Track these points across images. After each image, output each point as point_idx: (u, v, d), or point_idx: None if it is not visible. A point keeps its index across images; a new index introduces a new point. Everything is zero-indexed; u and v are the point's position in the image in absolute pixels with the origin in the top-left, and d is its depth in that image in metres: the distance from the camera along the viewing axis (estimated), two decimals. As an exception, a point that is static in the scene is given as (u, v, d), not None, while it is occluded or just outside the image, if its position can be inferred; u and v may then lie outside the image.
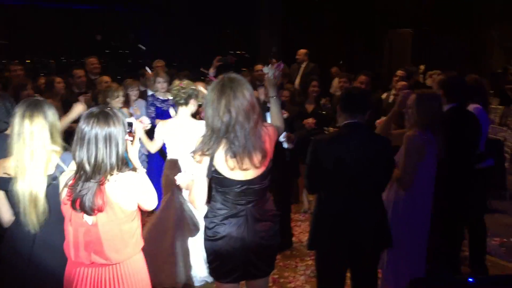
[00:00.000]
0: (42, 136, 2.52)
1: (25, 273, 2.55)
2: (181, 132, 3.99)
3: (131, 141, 2.47)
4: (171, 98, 5.74)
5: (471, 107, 3.96)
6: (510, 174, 6.56)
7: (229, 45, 14.62)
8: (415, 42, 11.86)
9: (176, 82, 4.11)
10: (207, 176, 2.56)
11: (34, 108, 2.53)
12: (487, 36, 11.67)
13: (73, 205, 2.27)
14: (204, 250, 2.74)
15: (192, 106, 4.07)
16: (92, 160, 2.24)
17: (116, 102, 5.07)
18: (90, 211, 2.27)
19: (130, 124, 2.46)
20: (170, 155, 4.17)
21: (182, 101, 4.02)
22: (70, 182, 2.32)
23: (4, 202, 2.57)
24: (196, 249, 4.00)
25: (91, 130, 2.23)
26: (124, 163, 2.34)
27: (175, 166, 4.03)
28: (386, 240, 3.03)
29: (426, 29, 11.69)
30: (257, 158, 2.51)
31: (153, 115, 5.75)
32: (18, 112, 2.53)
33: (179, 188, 3.67)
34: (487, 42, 11.78)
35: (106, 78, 5.93)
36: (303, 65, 7.97)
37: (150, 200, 2.45)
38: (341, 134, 2.98)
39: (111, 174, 2.28)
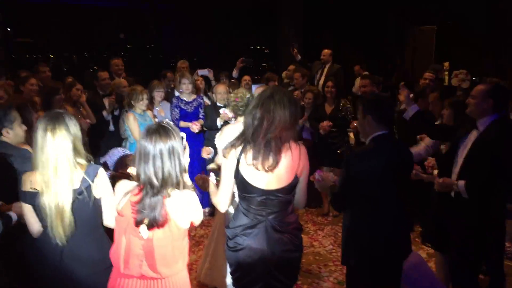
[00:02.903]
0: (65, 149, 2.51)
1: (52, 283, 2.59)
2: None
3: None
4: (205, 101, 5.82)
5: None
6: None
7: (250, 41, 14.63)
8: (438, 38, 11.67)
9: (232, 97, 4.14)
10: (234, 176, 2.63)
11: (56, 121, 2.53)
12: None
13: (136, 223, 2.33)
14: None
15: None
16: (160, 174, 2.30)
17: (141, 105, 5.11)
18: (155, 225, 2.32)
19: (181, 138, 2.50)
20: None
21: (241, 113, 4.05)
22: (136, 198, 2.35)
23: (32, 215, 2.59)
24: None
25: (156, 145, 2.30)
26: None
27: None
28: (408, 251, 3.04)
29: (450, 25, 11.49)
30: (269, 163, 2.54)
31: (177, 117, 5.75)
32: (40, 126, 2.53)
33: None
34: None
35: (124, 83, 5.98)
36: (327, 66, 7.86)
37: (199, 216, 2.50)
38: (380, 148, 2.90)
39: (175, 189, 2.34)
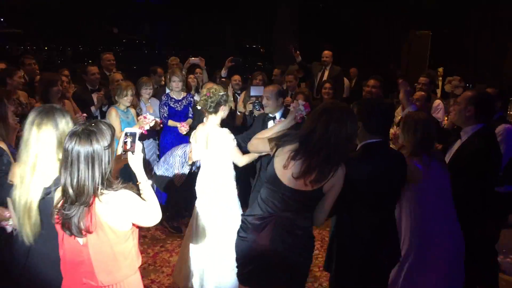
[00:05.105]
0: (47, 145, 2.43)
1: (19, 282, 2.50)
2: (209, 141, 3.89)
3: (132, 151, 2.33)
4: (195, 100, 5.70)
5: (502, 127, 3.84)
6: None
7: (246, 38, 14.55)
8: (433, 43, 11.65)
9: (204, 91, 3.96)
10: (267, 162, 2.78)
11: (45, 115, 2.45)
12: (507, 40, 11.41)
13: (62, 228, 2.19)
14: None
15: (222, 113, 3.92)
16: (75, 183, 2.11)
17: (125, 101, 5.01)
18: (78, 234, 2.16)
19: (132, 134, 2.34)
20: (201, 165, 4.07)
21: (211, 110, 3.88)
22: (60, 203, 2.20)
23: (12, 209, 2.50)
24: (215, 258, 3.94)
25: (73, 150, 2.11)
26: (114, 180, 2.22)
27: (205, 175, 3.97)
28: (397, 257, 3.01)
29: (445, 31, 11.48)
30: (298, 173, 2.55)
31: (165, 115, 5.66)
32: (29, 118, 2.46)
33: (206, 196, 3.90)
34: (509, 46, 11.52)
35: (118, 76, 5.85)
36: (328, 68, 7.80)
37: (148, 216, 2.31)
38: (369, 156, 2.83)
39: (101, 194, 2.15)
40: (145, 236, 5.19)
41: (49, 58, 13.05)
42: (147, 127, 4.83)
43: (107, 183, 2.17)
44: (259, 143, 2.93)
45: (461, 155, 3.21)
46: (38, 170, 2.42)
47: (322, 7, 12.97)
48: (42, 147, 2.42)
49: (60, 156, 2.44)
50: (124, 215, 2.21)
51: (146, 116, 4.93)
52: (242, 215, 2.85)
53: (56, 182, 2.41)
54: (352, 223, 2.85)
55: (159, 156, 5.91)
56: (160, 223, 5.17)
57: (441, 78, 9.75)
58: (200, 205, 3.97)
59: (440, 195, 3.09)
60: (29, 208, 2.40)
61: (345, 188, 2.74)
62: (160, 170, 4.76)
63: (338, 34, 12.21)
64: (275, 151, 2.69)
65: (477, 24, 10.84)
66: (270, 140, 2.74)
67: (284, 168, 2.59)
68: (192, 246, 3.98)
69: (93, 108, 5.67)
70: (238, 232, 2.81)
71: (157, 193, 5.64)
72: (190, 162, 4.11)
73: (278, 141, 2.69)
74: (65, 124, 2.50)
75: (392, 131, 4.52)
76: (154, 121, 5.10)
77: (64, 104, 5.05)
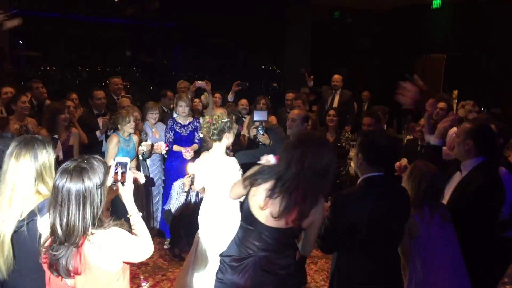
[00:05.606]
0: (25, 177, 2.36)
1: None
2: (213, 169, 3.76)
3: (122, 183, 2.26)
4: (190, 122, 5.66)
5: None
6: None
7: (258, 62, 14.56)
8: (447, 67, 11.51)
9: (206, 118, 3.85)
10: (243, 201, 2.66)
11: (24, 147, 2.39)
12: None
13: (50, 268, 2.11)
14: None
15: (226, 140, 3.81)
16: (64, 223, 2.02)
17: (128, 127, 4.96)
18: (66, 276, 2.07)
19: (123, 165, 2.26)
20: (205, 194, 3.93)
21: (215, 137, 3.77)
22: (47, 242, 2.12)
23: None
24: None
25: (64, 187, 2.02)
26: (105, 219, 2.14)
27: (208, 205, 3.85)
28: None
29: (458, 54, 11.33)
30: (277, 213, 2.44)
31: (171, 139, 5.60)
32: (9, 149, 2.41)
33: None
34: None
35: (126, 102, 5.85)
36: (338, 92, 7.73)
37: (139, 252, 2.23)
38: (369, 190, 2.70)
39: (91, 234, 2.06)
40: (147, 264, 5.09)
41: (64, 80, 13.17)
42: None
43: (98, 223, 2.09)
44: (235, 188, 2.77)
45: (464, 193, 3.06)
46: (14, 202, 2.34)
47: (335, 30, 12.93)
48: (20, 179, 2.36)
49: (39, 188, 2.41)
50: (114, 254, 2.13)
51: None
52: (220, 255, 2.69)
53: (31, 216, 2.34)
54: (353, 260, 2.73)
55: (164, 181, 5.85)
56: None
57: (455, 101, 9.60)
58: (202, 235, 3.85)
59: (442, 248, 2.96)
60: (1, 242, 2.31)
61: (345, 224, 2.63)
62: (167, 205, 4.70)
63: (352, 57, 12.14)
64: (250, 189, 2.57)
65: (491, 46, 10.67)
66: (244, 178, 2.62)
67: (262, 208, 2.48)
68: (190, 275, 3.85)
69: (98, 133, 5.65)
70: (216, 273, 2.68)
71: (162, 225, 5.65)
72: (186, 189, 3.99)
73: (252, 179, 2.57)
74: (46, 155, 2.44)
75: (397, 163, 4.38)
76: (166, 150, 5.07)
77: (71, 132, 5.05)
